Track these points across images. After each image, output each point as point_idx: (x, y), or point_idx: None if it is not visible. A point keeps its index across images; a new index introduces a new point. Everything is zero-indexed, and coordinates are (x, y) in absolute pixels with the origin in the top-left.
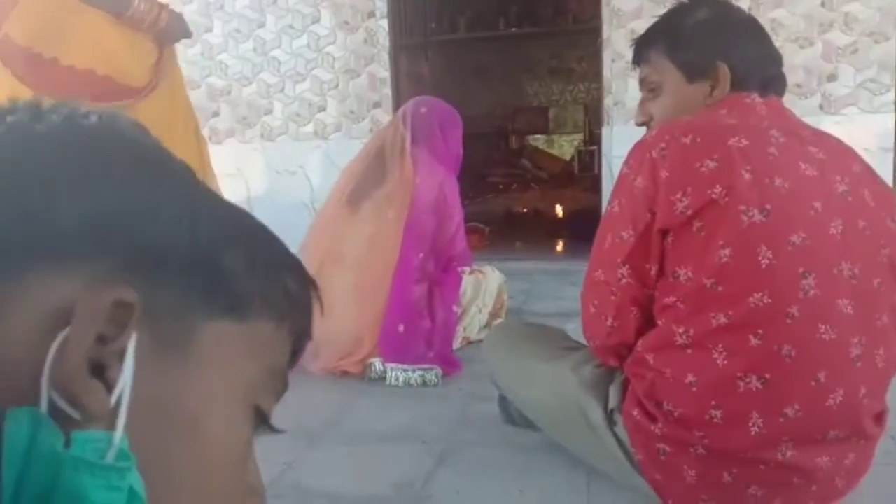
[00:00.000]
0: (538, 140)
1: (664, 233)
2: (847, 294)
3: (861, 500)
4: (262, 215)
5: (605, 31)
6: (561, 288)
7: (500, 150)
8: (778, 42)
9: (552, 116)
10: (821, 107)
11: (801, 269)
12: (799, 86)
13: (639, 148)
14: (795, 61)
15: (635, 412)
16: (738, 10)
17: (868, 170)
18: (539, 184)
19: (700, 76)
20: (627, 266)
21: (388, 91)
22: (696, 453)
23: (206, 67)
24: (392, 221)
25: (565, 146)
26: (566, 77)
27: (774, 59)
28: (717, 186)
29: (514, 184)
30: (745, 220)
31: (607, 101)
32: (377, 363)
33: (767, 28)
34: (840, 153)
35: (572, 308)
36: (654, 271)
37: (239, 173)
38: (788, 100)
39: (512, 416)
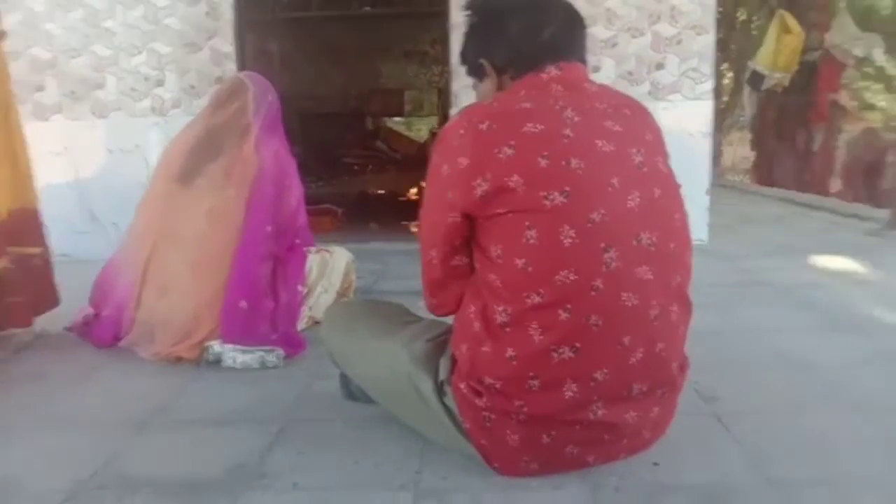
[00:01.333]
0: (396, 122)
1: (471, 217)
2: (646, 261)
3: (667, 447)
4: (95, 197)
5: (453, 16)
6: (414, 267)
7: (355, 131)
8: (613, 31)
9: (408, 99)
10: (650, 93)
11: (602, 245)
12: (630, 73)
13: (442, 136)
14: (629, 50)
15: (462, 385)
16: (505, 1)
17: (659, 135)
18: (394, 165)
19: (481, 75)
20: (443, 247)
21: (232, 66)
22: (518, 419)
23: (29, 38)
24: (233, 196)
25: (423, 129)
26: (420, 60)
27: (547, 22)
28: (515, 175)
29: (369, 165)
30: (546, 203)
31: (455, 85)
32: (215, 345)
33: (603, 18)
34: (635, 122)
35: (420, 288)
36: (466, 254)
37: (66, 152)
38: (621, 86)
39: (352, 391)
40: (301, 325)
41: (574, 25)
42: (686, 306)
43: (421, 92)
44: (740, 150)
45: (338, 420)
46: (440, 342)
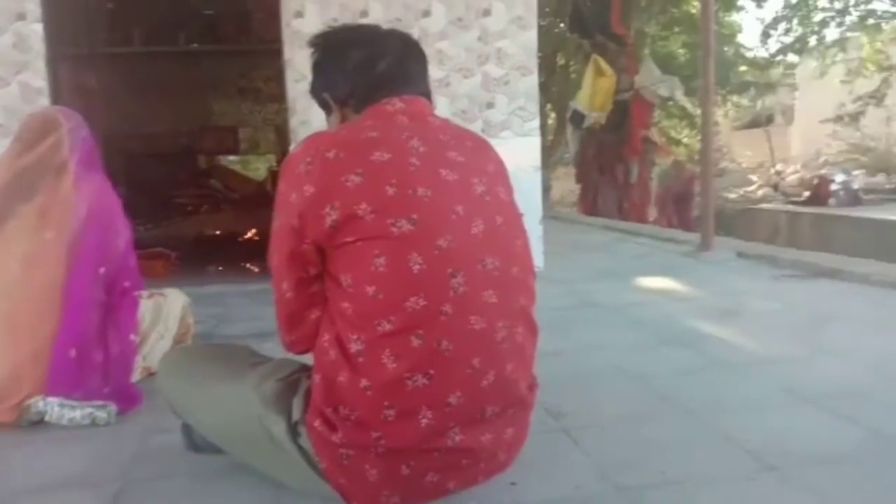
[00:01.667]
0: (231, 161)
1: (320, 246)
2: (491, 285)
3: (522, 466)
4: None
5: (287, 53)
6: (258, 308)
7: (187, 170)
8: (445, 71)
9: (244, 137)
10: (483, 130)
11: (449, 270)
12: (464, 111)
13: (288, 164)
14: (461, 90)
15: (317, 423)
16: (345, 30)
17: (501, 167)
18: (231, 205)
19: (327, 109)
20: (296, 278)
21: (44, 102)
22: (377, 452)
23: None
24: (51, 239)
25: (260, 168)
26: (255, 97)
27: (382, 55)
28: (363, 203)
29: (203, 206)
30: (394, 231)
31: (293, 122)
32: (39, 403)
33: (435, 59)
34: (477, 154)
35: (269, 327)
36: (320, 284)
37: None
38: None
39: (196, 442)
40: (135, 376)
41: (410, 58)
42: (531, 328)
43: (257, 130)
44: (567, 184)
45: (182, 475)
46: (292, 381)
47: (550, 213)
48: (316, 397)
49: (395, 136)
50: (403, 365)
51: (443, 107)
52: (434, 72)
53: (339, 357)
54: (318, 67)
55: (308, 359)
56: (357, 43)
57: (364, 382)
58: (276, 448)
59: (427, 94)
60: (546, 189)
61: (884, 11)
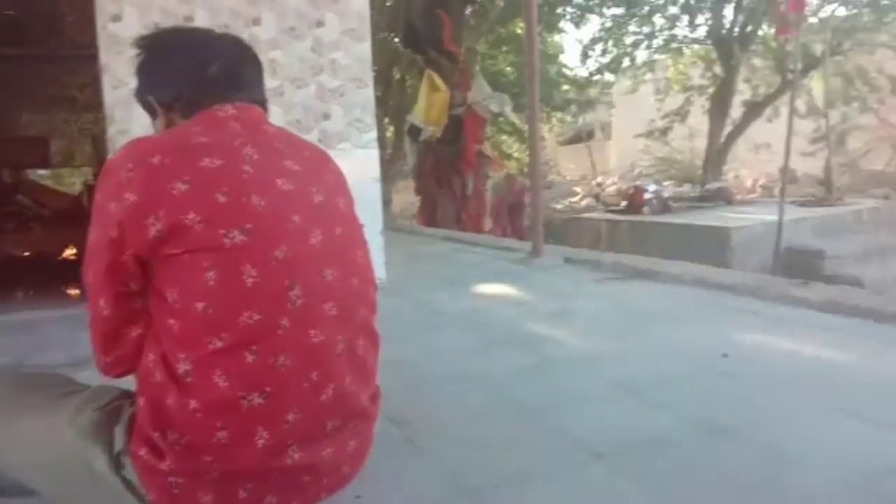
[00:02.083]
0: (42, 175)
1: (142, 259)
2: (331, 297)
3: (367, 478)
4: None
5: (104, 58)
6: (74, 334)
7: None
8: (278, 81)
9: (59, 148)
10: (320, 141)
11: (287, 282)
12: (299, 121)
13: (106, 171)
14: (295, 99)
15: (143, 452)
16: (175, 32)
17: (340, 177)
18: (43, 223)
19: (152, 113)
20: (114, 294)
21: None
22: (210, 478)
23: None
24: None
25: (76, 182)
26: (69, 105)
27: (211, 59)
28: (191, 213)
29: (9, 224)
30: (226, 242)
31: (112, 131)
32: None
33: (268, 68)
34: (315, 164)
35: (88, 353)
36: (141, 300)
37: None
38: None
39: (1, 486)
40: None
41: (243, 63)
42: (373, 339)
43: (71, 141)
44: (406, 196)
45: None
46: (112, 409)
47: (391, 224)
48: (141, 423)
49: (227, 142)
50: (237, 383)
51: (277, 116)
52: (267, 81)
53: (166, 378)
54: (143, 69)
55: (130, 384)
56: (186, 45)
57: (194, 404)
58: (98, 484)
59: (262, 103)
60: (386, 201)
61: (684, 37)
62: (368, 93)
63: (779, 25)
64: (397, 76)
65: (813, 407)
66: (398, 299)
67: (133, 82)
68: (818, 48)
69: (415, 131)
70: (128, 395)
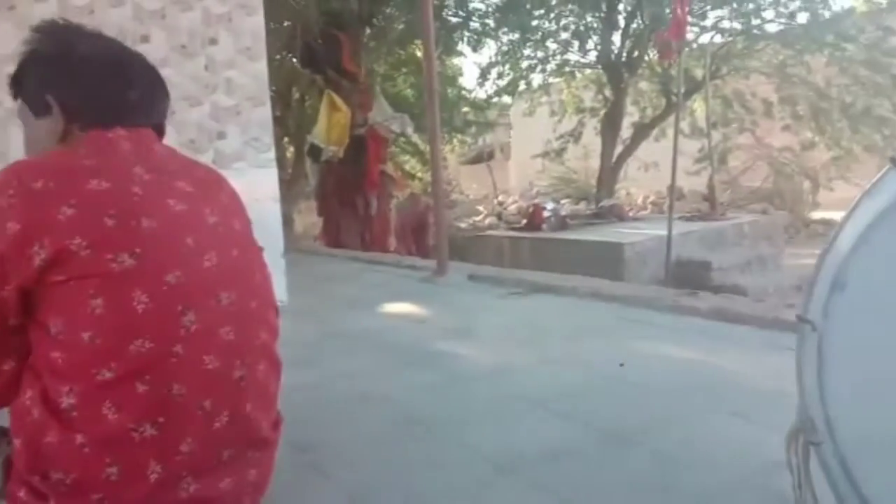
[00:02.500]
0: None
1: (25, 289)
2: (228, 321)
3: None
4: None
5: None
6: None
7: None
8: (170, 98)
9: None
10: (214, 161)
11: (179, 307)
12: (193, 141)
13: None
14: (188, 118)
15: (22, 493)
16: (91, 40)
17: (234, 198)
18: None
19: (41, 111)
20: None
21: None
22: None
23: None
24: None
25: None
26: None
27: (135, 83)
28: (77, 237)
29: None
30: (114, 267)
31: None
32: None
33: None
34: (209, 184)
35: None
36: (16, 336)
37: None
38: (185, 155)
39: None
40: None
41: (158, 91)
42: (274, 364)
43: None
44: (309, 217)
45: None
46: None
47: (294, 246)
48: (18, 466)
49: (116, 163)
50: (127, 415)
51: (169, 136)
52: None
53: (46, 415)
54: (47, 61)
55: (4, 421)
56: (110, 58)
57: (80, 439)
58: None
59: (160, 128)
60: (288, 222)
61: (576, 61)
62: (266, 112)
63: (661, 51)
64: (297, 96)
65: (704, 411)
66: (302, 322)
67: (6, 101)
68: (699, 73)
69: (315, 151)
70: (3, 434)
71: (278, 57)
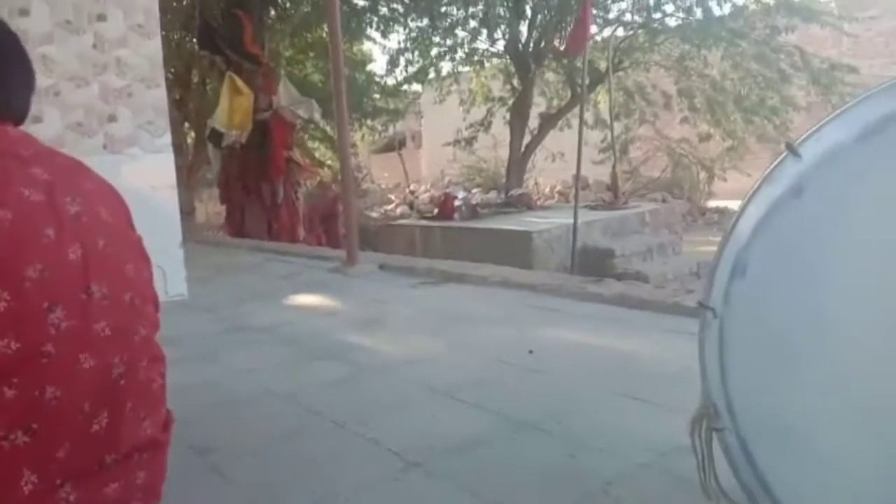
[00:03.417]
0: None
1: None
2: (102, 316)
3: None
4: None
5: None
6: None
7: None
8: (53, 79)
9: None
10: (105, 146)
11: (45, 304)
12: (80, 124)
13: None
14: (74, 100)
15: None
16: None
17: (102, 185)
18: None
19: None
20: None
21: None
22: None
23: None
24: None
25: None
26: None
27: (29, 82)
28: None
29: None
30: None
31: None
32: None
33: (39, 64)
34: (69, 172)
35: None
36: None
37: None
38: (72, 139)
39: None
40: None
41: (32, 86)
42: (156, 360)
43: None
44: (211, 206)
45: None
46: None
47: (195, 236)
48: None
49: None
50: None
51: (54, 119)
52: (40, 79)
53: None
54: None
55: None
56: (20, 52)
57: None
58: None
59: (19, 112)
60: (188, 211)
61: (485, 50)
62: (160, 94)
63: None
64: (196, 79)
65: (609, 396)
66: (202, 316)
67: None
68: (602, 65)
69: (216, 136)
70: None
71: (176, 37)
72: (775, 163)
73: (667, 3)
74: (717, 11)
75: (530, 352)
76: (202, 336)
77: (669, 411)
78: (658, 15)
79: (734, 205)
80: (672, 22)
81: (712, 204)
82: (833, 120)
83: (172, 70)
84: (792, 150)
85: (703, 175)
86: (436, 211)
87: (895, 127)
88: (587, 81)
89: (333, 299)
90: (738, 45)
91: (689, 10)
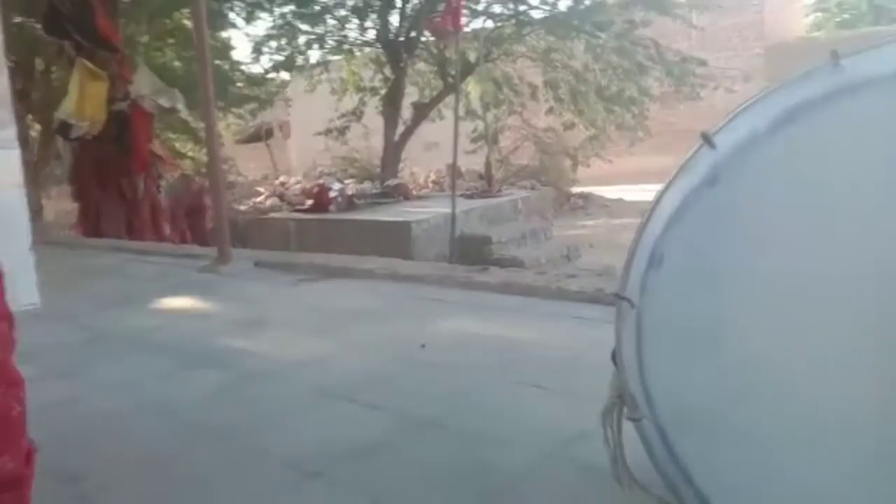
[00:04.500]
0: None
1: None
2: None
3: None
4: None
5: None
6: None
7: None
8: None
9: None
10: None
11: None
12: None
13: None
14: None
15: None
16: None
17: None
18: None
19: None
20: None
21: None
22: None
23: None
24: None
25: None
26: None
27: None
28: None
29: None
30: None
31: None
32: None
33: None
34: None
35: None
36: None
37: None
38: None
39: None
40: None
41: None
42: (13, 385)
43: None
44: (63, 204)
45: None
46: None
47: (45, 237)
48: None
49: None
50: None
51: None
52: None
53: None
54: None
55: None
56: None
57: None
58: None
59: None
60: (37, 210)
61: (355, 39)
62: (3, 81)
63: (437, 35)
64: (41, 67)
65: (506, 386)
66: (58, 326)
67: None
68: (473, 56)
69: (65, 128)
70: None
71: (17, 21)
72: (691, 153)
73: None
74: (580, 4)
75: (423, 346)
76: (60, 349)
77: (567, 397)
78: (524, 7)
79: (598, 190)
80: (537, 14)
81: (577, 190)
82: (746, 110)
83: (14, 58)
84: (707, 140)
85: (567, 162)
86: (310, 203)
87: (805, 116)
88: (459, 71)
89: (207, 301)
90: (599, 38)
91: (553, 3)
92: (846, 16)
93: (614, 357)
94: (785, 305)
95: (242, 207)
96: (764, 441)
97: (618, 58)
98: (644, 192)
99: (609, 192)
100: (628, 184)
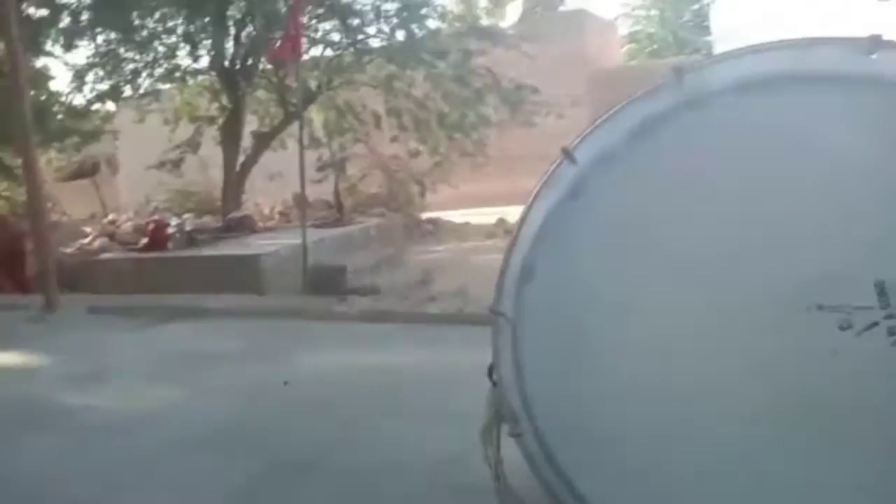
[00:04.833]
0: None
1: None
2: None
3: None
4: None
5: None
6: None
7: None
8: None
9: None
10: None
11: None
12: None
13: None
14: None
15: None
16: None
17: None
18: None
19: None
20: None
21: None
22: None
23: None
24: None
25: None
26: None
27: None
28: None
29: None
30: None
31: None
32: None
33: None
34: None
35: None
36: None
37: None
38: None
39: None
40: None
41: None
42: None
43: None
44: None
45: None
46: None
47: None
48: None
49: None
50: None
51: None
52: None
53: None
54: None
55: None
56: None
57: None
58: None
59: None
60: None
61: (188, 66)
62: None
63: (275, 63)
64: None
65: (378, 416)
66: None
67: None
68: (314, 84)
69: None
70: None
71: None
72: (551, 168)
73: (370, 24)
74: (417, 34)
75: (285, 383)
76: None
77: (441, 419)
78: (361, 36)
79: (446, 215)
80: (376, 43)
81: (426, 216)
82: (602, 124)
83: None
84: (568, 154)
85: (416, 189)
86: (144, 241)
87: (658, 127)
88: (301, 100)
89: (35, 354)
90: (437, 67)
91: (390, 33)
92: (655, 46)
93: (491, 373)
94: (651, 310)
95: (69, 250)
96: (643, 441)
97: (457, 86)
98: (488, 216)
99: (456, 216)
100: (474, 207)
